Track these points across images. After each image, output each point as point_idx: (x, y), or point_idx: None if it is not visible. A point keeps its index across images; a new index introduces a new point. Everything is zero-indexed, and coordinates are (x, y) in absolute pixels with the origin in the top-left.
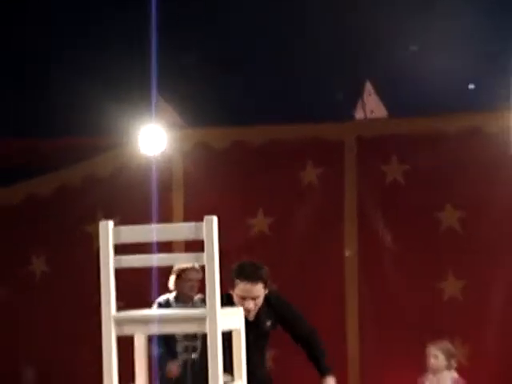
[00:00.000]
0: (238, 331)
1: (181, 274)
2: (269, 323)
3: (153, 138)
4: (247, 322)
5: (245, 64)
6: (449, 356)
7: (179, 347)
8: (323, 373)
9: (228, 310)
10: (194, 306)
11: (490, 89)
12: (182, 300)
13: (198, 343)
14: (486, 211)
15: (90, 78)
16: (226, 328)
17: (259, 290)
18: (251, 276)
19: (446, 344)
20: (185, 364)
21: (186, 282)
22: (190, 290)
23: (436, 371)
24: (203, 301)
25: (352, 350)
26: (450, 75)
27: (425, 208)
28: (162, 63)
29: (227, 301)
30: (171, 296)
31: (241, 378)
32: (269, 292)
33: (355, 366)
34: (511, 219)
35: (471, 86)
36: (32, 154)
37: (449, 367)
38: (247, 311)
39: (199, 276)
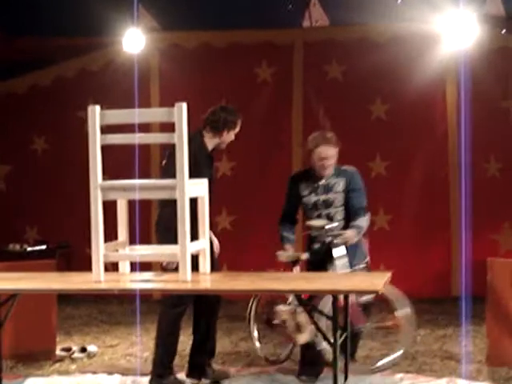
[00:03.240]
0: (203, 198)
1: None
2: None
3: (135, 39)
4: None
5: None
6: None
7: (315, 231)
8: None
9: (194, 180)
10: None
11: (412, 3)
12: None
13: (335, 224)
14: (407, 104)
15: None
16: (193, 195)
17: None
18: None
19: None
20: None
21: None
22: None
23: None
24: None
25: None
26: None
27: (358, 101)
28: None
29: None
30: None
31: (204, 236)
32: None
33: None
34: (427, 111)
35: (399, 1)
36: (34, 50)
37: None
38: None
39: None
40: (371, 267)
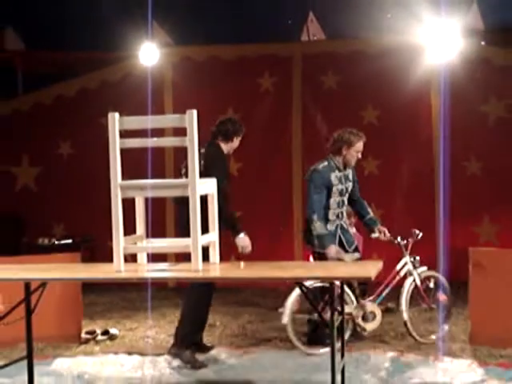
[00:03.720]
0: (212, 195)
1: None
2: (202, 162)
3: (150, 53)
4: None
5: None
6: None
7: (332, 215)
8: (238, 232)
9: (204, 180)
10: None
11: (401, 18)
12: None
13: (344, 209)
14: (396, 110)
15: (105, 9)
16: (203, 192)
17: None
18: None
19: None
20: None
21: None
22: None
23: None
24: None
25: (296, 209)
26: (373, 7)
27: (352, 108)
28: None
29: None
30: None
31: (214, 230)
32: (211, 143)
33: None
34: (414, 116)
35: (388, 16)
36: (57, 64)
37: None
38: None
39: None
40: (365, 258)
